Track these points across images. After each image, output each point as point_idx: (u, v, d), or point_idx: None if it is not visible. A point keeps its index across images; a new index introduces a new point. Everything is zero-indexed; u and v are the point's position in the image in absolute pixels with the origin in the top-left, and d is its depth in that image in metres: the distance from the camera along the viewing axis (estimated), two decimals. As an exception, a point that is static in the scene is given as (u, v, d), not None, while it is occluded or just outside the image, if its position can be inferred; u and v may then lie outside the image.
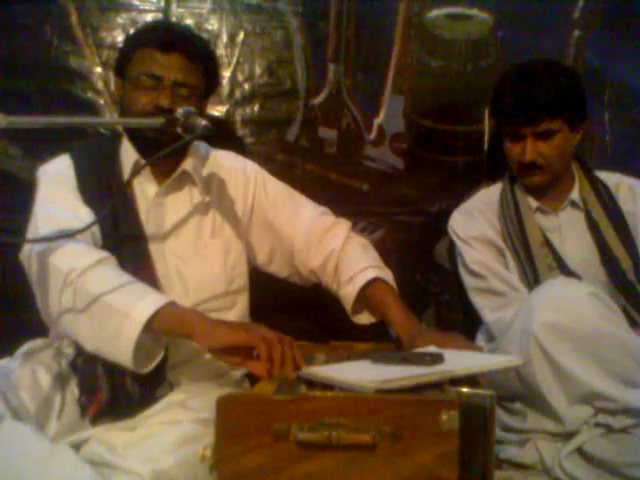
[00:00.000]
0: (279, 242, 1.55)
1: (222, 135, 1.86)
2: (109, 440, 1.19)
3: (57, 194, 1.36)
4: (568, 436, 1.38)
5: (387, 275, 1.46)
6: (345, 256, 1.49)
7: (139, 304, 1.17)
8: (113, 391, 1.28)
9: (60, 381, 1.34)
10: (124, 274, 1.25)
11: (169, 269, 1.42)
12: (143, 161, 1.40)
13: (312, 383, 1.06)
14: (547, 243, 1.66)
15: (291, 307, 1.81)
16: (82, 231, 1.21)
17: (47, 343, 1.42)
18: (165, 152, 1.26)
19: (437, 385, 1.00)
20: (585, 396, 1.35)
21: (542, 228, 1.69)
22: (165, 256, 1.42)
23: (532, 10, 2.01)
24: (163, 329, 1.19)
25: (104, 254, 1.27)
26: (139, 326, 1.15)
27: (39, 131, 1.81)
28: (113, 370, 1.24)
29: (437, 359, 1.07)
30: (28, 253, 1.28)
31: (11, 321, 1.76)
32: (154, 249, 1.40)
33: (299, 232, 1.53)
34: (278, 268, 1.58)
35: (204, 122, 1.21)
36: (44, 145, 1.81)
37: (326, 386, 1.02)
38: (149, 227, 1.41)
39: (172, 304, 1.20)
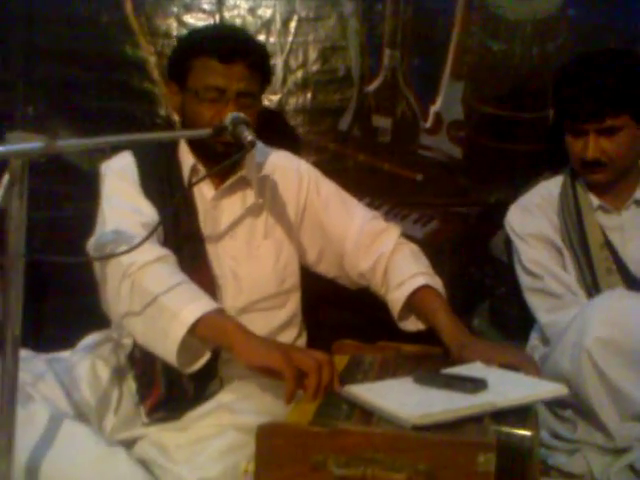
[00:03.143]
0: (329, 243, 1.55)
1: (274, 126, 1.85)
2: (161, 441, 1.25)
3: (121, 188, 1.41)
4: (619, 451, 1.36)
5: (437, 283, 1.44)
6: (395, 261, 1.47)
7: (188, 307, 1.18)
8: (169, 386, 1.34)
9: (118, 374, 1.41)
10: (180, 273, 1.27)
11: (224, 269, 1.45)
12: (199, 166, 1.45)
13: (353, 404, 1.07)
14: (608, 244, 1.60)
15: (342, 302, 1.82)
16: (146, 239, 1.18)
17: (107, 336, 1.48)
18: (217, 169, 1.35)
19: (476, 418, 0.99)
20: (638, 414, 1.32)
21: (603, 227, 1.61)
22: (220, 257, 1.45)
23: (606, -14, 1.86)
24: (205, 336, 1.20)
25: (165, 252, 1.29)
26: (184, 328, 1.16)
27: (98, 121, 1.86)
28: (170, 366, 1.26)
29: (480, 386, 1.06)
30: (94, 244, 1.33)
31: (75, 311, 1.84)
32: (210, 250, 1.44)
33: (350, 234, 1.52)
34: (327, 268, 1.59)
35: (250, 137, 1.18)
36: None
37: (365, 412, 1.03)
38: (206, 229, 1.45)
39: (218, 312, 1.21)
